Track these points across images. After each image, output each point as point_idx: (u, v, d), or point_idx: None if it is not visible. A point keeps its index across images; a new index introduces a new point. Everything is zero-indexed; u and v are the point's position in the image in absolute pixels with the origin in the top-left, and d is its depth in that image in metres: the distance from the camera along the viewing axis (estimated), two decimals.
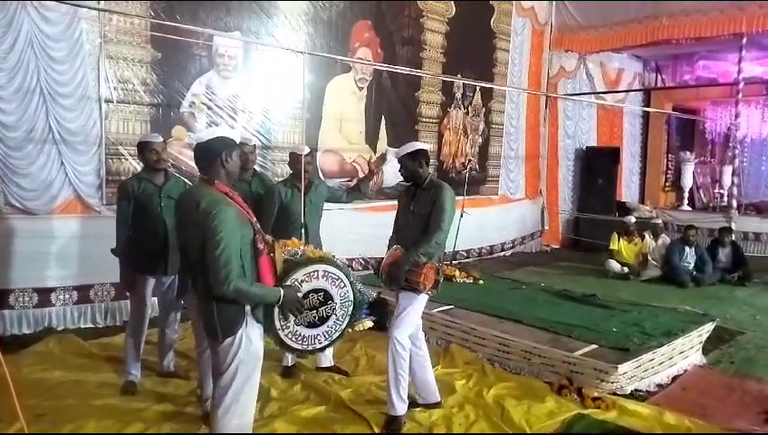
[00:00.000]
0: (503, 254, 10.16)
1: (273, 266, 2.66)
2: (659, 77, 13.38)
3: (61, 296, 5.34)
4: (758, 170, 13.56)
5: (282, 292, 2.58)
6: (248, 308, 2.57)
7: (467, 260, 9.16)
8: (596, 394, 3.98)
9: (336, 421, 3.63)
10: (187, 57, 6.08)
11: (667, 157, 13.35)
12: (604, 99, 11.94)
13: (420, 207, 3.60)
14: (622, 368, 4.09)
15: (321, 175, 7.29)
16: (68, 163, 5.36)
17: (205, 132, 2.70)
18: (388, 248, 3.75)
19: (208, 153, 2.59)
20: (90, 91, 5.45)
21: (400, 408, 3.56)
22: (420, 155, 3.65)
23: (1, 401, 3.42)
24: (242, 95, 6.53)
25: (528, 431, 3.54)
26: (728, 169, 10.55)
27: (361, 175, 7.86)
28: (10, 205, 5.10)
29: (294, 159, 4.32)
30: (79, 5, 4.77)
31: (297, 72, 6.26)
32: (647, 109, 12.50)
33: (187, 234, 2.59)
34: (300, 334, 2.74)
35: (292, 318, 2.68)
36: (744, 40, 9.23)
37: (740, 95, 9.63)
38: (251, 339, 2.59)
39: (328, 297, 2.80)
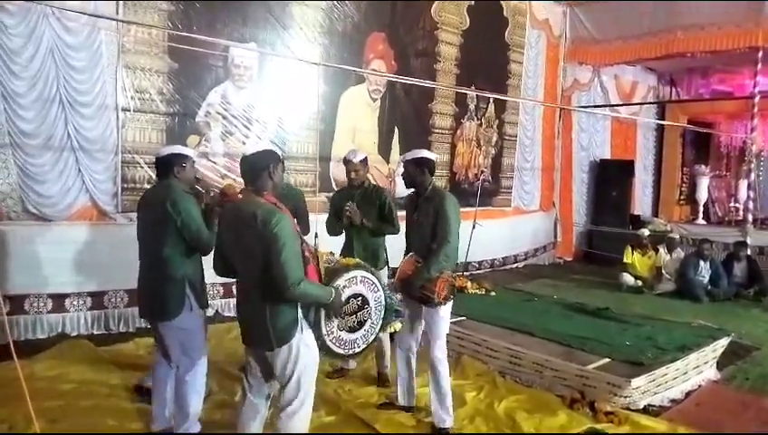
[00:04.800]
0: (515, 266, 10.13)
1: (319, 274, 2.77)
2: (674, 90, 13.32)
3: (75, 302, 5.39)
4: None
5: (333, 291, 2.71)
6: (301, 314, 2.65)
7: (479, 271, 9.13)
8: (609, 408, 3.93)
9: (345, 430, 3.62)
10: (203, 68, 6.15)
11: (682, 170, 13.25)
12: (618, 111, 11.90)
13: (423, 216, 3.60)
14: (635, 382, 4.04)
15: (333, 185, 7.31)
16: (85, 171, 5.44)
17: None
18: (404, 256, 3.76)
19: (257, 165, 2.67)
20: (108, 100, 5.53)
21: (449, 420, 3.61)
22: (424, 163, 3.62)
23: (15, 405, 3.49)
24: (257, 105, 6.59)
25: None
26: (743, 183, 10.46)
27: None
28: (27, 211, 5.16)
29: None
30: (98, 16, 4.86)
31: (311, 82, 6.34)
32: (661, 122, 12.45)
33: (242, 244, 2.62)
34: (342, 339, 2.85)
35: (335, 323, 2.78)
36: (761, 54, 9.17)
37: (755, 109, 9.56)
38: (308, 345, 2.69)
39: (365, 302, 2.92)
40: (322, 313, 2.74)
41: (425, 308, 3.62)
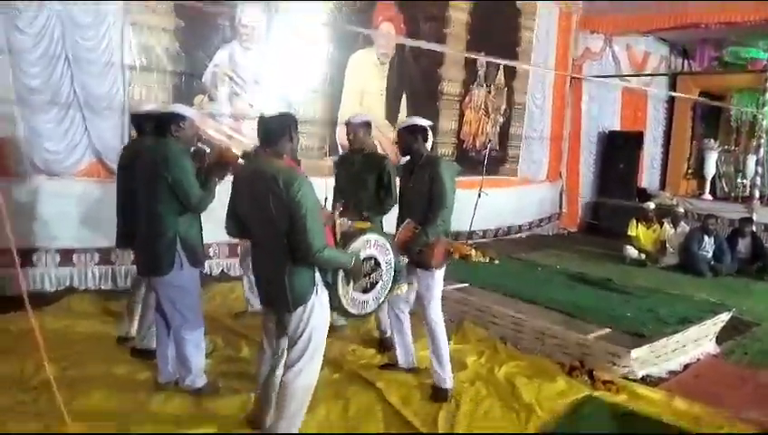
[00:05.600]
0: (520, 235, 10.14)
1: (334, 237, 2.84)
2: (686, 61, 13.10)
3: (82, 257, 5.45)
4: None
5: (354, 257, 2.79)
6: (318, 276, 2.70)
7: (484, 240, 9.15)
8: (607, 377, 3.99)
9: (349, 389, 3.68)
10: (210, 26, 6.07)
11: (691, 143, 13.12)
12: (629, 81, 11.74)
13: (418, 183, 3.62)
14: (635, 353, 4.08)
15: (340, 149, 7.28)
16: (92, 128, 5.43)
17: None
18: (398, 224, 3.77)
19: (277, 128, 2.69)
20: (114, 57, 5.48)
21: (448, 381, 3.68)
22: (418, 130, 3.66)
23: (26, 354, 3.58)
24: (263, 66, 6.51)
25: (538, 410, 3.56)
26: (752, 159, 10.37)
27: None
28: (34, 166, 5.17)
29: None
30: None
31: (319, 44, 6.27)
32: (672, 93, 12.28)
33: (261, 207, 2.63)
34: (356, 299, 2.95)
35: (351, 284, 2.86)
36: None
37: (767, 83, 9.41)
38: (322, 305, 2.75)
39: (377, 264, 3.02)
40: (340, 274, 2.81)
41: (420, 272, 3.67)
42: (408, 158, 3.78)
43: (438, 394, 3.64)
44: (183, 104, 5.54)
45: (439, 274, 3.69)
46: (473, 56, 8.59)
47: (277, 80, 6.64)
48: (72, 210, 5.34)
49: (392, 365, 4.06)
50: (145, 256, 3.37)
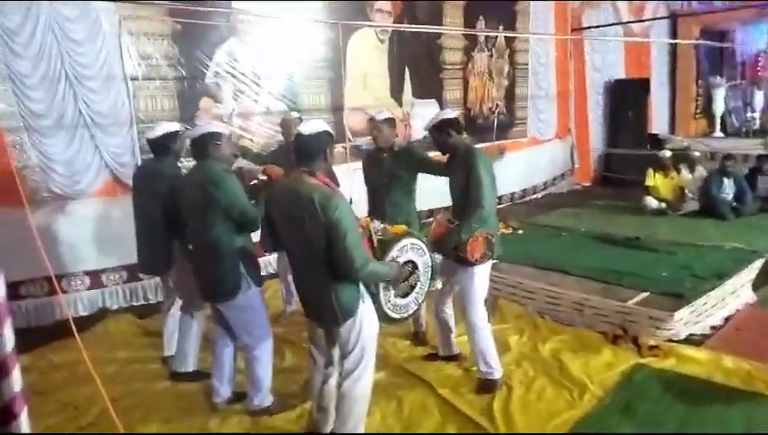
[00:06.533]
0: (535, 196, 10.06)
1: (372, 247, 2.81)
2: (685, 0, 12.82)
3: (111, 277, 5.45)
4: None
5: (396, 267, 2.80)
6: (362, 287, 2.71)
7: (500, 206, 9.07)
8: (652, 342, 3.98)
9: (399, 386, 3.67)
10: (207, 26, 5.93)
11: (697, 82, 12.90)
12: (631, 28, 11.46)
13: (456, 176, 3.51)
14: (678, 315, 4.07)
15: (349, 135, 7.19)
16: (102, 145, 5.36)
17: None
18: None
19: (314, 147, 2.66)
20: (114, 70, 5.38)
21: (496, 373, 3.60)
22: (447, 125, 3.51)
23: (74, 386, 3.62)
24: (264, 60, 6.39)
25: (590, 385, 3.56)
26: (760, 92, 10.17)
27: None
28: (51, 191, 5.13)
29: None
30: None
31: (317, 31, 6.13)
32: (674, 41, 11.99)
33: (299, 228, 2.59)
34: (397, 305, 2.95)
35: (392, 291, 2.86)
36: None
37: None
38: (370, 313, 2.76)
39: (415, 267, 3.00)
40: (381, 283, 2.79)
41: (459, 268, 3.54)
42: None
43: (486, 386, 3.58)
44: (192, 109, 5.52)
45: (481, 270, 3.50)
46: (470, 32, 8.39)
47: (279, 72, 6.53)
48: (93, 231, 5.32)
49: (435, 355, 4.04)
50: (207, 283, 3.27)
